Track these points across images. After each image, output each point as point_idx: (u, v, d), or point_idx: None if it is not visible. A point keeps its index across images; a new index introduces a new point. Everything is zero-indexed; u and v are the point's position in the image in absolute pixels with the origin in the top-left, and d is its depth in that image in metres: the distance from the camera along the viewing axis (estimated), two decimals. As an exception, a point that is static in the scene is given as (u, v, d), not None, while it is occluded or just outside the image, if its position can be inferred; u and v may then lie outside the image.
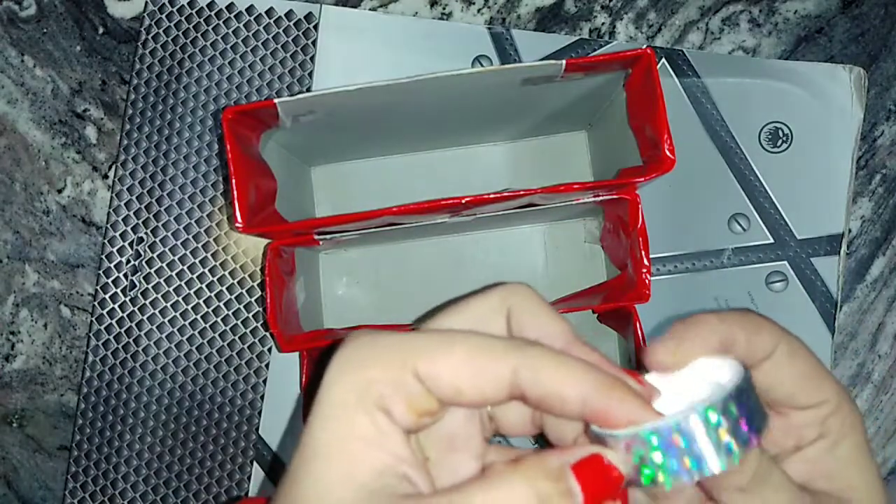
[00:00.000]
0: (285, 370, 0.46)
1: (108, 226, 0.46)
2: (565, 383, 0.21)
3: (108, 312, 0.46)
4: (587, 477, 0.21)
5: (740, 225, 0.46)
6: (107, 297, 0.46)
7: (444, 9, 0.48)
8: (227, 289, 0.46)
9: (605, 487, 0.21)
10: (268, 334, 0.46)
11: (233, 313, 0.46)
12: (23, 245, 0.48)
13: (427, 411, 0.21)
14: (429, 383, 0.21)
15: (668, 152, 0.34)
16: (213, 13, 0.47)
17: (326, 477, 0.20)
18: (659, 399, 0.22)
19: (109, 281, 0.46)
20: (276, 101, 0.34)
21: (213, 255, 0.46)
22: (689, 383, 0.22)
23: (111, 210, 0.46)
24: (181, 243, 0.46)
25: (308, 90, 0.46)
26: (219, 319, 0.46)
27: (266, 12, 0.47)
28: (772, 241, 0.46)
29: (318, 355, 0.41)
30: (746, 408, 0.21)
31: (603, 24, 0.47)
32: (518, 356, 0.21)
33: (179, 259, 0.46)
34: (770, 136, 0.46)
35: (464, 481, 0.21)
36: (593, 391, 0.21)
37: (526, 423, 0.24)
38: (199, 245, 0.46)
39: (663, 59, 0.46)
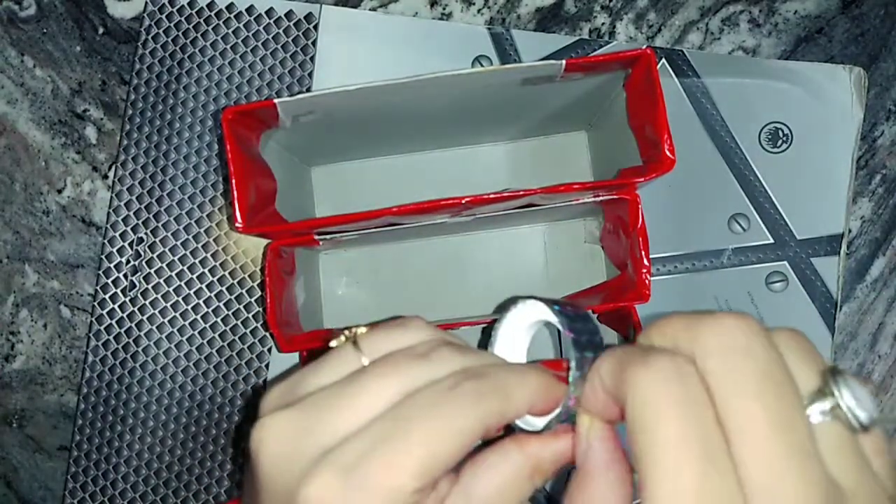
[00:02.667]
0: (285, 370, 0.46)
1: (108, 226, 0.46)
2: (522, 411, 0.24)
3: (108, 312, 0.46)
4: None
5: (740, 225, 0.46)
6: (107, 297, 0.46)
7: (444, 9, 0.48)
8: (227, 289, 0.46)
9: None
10: (268, 334, 0.46)
11: (233, 313, 0.46)
12: (23, 245, 0.48)
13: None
14: (421, 485, 0.22)
15: (668, 152, 0.34)
16: (213, 13, 0.47)
17: None
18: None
19: (109, 281, 0.46)
20: (276, 101, 0.34)
21: (213, 255, 0.46)
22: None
23: (111, 210, 0.46)
24: (181, 243, 0.46)
25: (308, 90, 0.46)
26: (219, 319, 0.46)
27: (266, 12, 0.47)
28: (772, 241, 0.46)
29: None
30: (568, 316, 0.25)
31: (603, 24, 0.47)
32: (484, 415, 0.23)
33: (179, 259, 0.46)
34: (770, 136, 0.46)
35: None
36: (538, 405, 0.24)
37: None
38: (199, 245, 0.46)
39: (663, 59, 0.46)
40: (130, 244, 0.46)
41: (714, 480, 0.18)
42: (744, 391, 0.19)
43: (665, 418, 0.19)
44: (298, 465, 0.23)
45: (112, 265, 0.46)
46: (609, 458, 0.23)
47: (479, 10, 0.48)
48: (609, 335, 0.44)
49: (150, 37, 0.47)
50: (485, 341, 0.29)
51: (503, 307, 0.27)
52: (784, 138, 0.46)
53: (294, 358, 0.45)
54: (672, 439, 0.19)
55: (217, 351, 0.46)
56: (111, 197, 0.47)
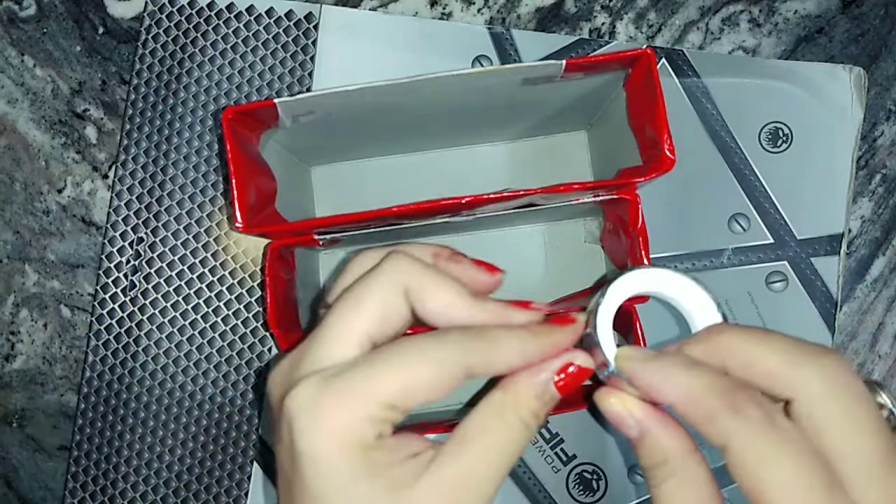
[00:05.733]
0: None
1: (108, 226, 0.46)
2: (511, 359, 0.26)
3: (108, 312, 0.46)
4: (562, 378, 0.26)
5: (740, 225, 0.46)
6: (107, 297, 0.46)
7: (444, 9, 0.48)
8: (227, 289, 0.46)
9: (577, 379, 0.27)
10: (268, 334, 0.46)
11: (233, 313, 0.46)
12: (23, 245, 0.48)
13: (398, 421, 0.25)
14: (397, 403, 0.24)
15: (668, 152, 0.34)
16: (213, 13, 0.47)
17: None
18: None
19: (109, 281, 0.46)
20: (276, 101, 0.34)
21: (213, 255, 0.46)
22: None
23: (111, 210, 0.46)
24: (181, 243, 0.46)
25: (308, 90, 0.46)
26: (219, 319, 0.46)
27: (266, 12, 0.47)
28: (772, 241, 0.46)
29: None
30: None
31: (603, 24, 0.47)
32: (464, 353, 0.25)
33: (179, 259, 0.46)
34: (770, 136, 0.46)
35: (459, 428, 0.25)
36: (528, 354, 0.26)
37: None
38: (199, 245, 0.46)
39: (663, 59, 0.46)
40: (130, 244, 0.46)
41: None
42: (861, 427, 0.22)
43: (776, 462, 0.22)
44: (287, 385, 0.25)
45: (112, 265, 0.46)
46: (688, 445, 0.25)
47: (479, 10, 0.48)
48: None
49: (150, 36, 0.47)
50: None
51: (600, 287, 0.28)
52: (784, 138, 0.46)
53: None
54: (787, 479, 0.22)
55: (217, 351, 0.46)
56: (111, 197, 0.47)
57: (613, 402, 0.26)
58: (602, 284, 0.28)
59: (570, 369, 0.26)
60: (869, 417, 0.23)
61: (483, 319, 0.27)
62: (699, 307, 0.28)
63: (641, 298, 0.30)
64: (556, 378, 0.26)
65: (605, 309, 0.27)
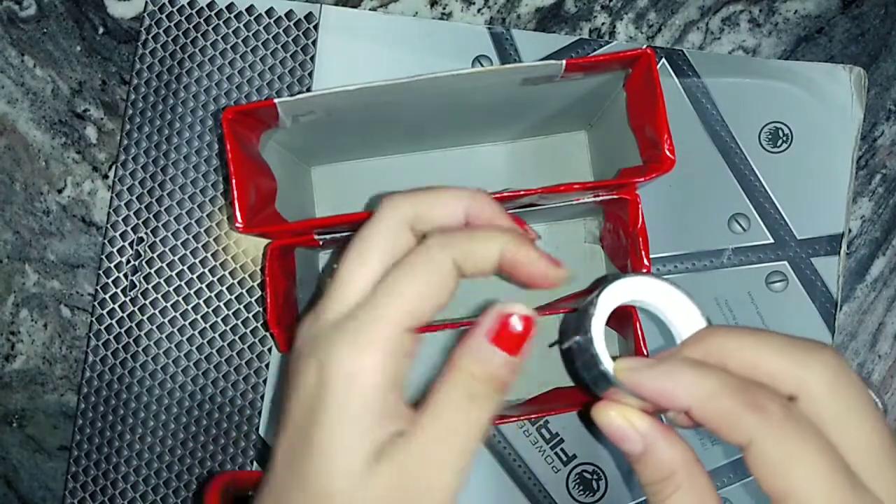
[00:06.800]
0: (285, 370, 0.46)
1: (108, 226, 0.46)
2: (449, 206, 0.27)
3: (108, 312, 0.46)
4: (504, 336, 0.24)
5: (740, 225, 0.46)
6: (107, 297, 0.46)
7: (444, 9, 0.48)
8: (227, 289, 0.46)
9: (524, 336, 0.25)
10: (268, 334, 0.46)
11: (233, 313, 0.46)
12: (23, 245, 0.48)
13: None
14: (412, 309, 0.25)
15: (668, 152, 0.34)
16: (213, 13, 0.47)
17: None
18: None
19: (109, 281, 0.46)
20: (276, 101, 0.34)
21: (213, 255, 0.46)
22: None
23: (111, 210, 0.46)
24: (181, 243, 0.46)
25: (308, 90, 0.46)
26: (219, 319, 0.46)
27: (266, 12, 0.47)
28: (772, 241, 0.46)
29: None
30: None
31: (603, 24, 0.47)
32: (412, 210, 0.27)
33: (179, 259, 0.46)
34: (770, 136, 0.46)
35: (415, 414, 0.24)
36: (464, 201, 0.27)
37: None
38: (199, 245, 0.46)
39: (663, 59, 0.46)
40: (130, 244, 0.46)
41: (859, 493, 0.22)
42: (865, 419, 0.23)
43: (799, 456, 0.22)
44: (312, 337, 0.26)
45: (112, 265, 0.46)
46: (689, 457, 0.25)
47: (479, 10, 0.48)
48: (609, 335, 0.44)
49: (150, 36, 0.47)
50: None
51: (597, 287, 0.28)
52: (784, 138, 0.46)
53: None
54: (811, 472, 0.22)
55: (217, 351, 0.46)
56: (111, 197, 0.47)
57: (614, 416, 0.25)
58: (591, 291, 0.28)
59: (512, 322, 0.24)
60: (871, 410, 0.23)
61: (478, 215, 0.27)
62: (684, 314, 0.28)
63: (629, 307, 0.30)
64: (495, 337, 0.24)
65: (597, 320, 0.27)
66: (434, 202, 0.27)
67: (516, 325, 0.24)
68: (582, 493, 0.45)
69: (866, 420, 0.23)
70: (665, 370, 0.24)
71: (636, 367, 0.25)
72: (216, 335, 0.46)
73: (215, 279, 0.46)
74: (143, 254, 0.46)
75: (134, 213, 0.46)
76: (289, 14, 0.46)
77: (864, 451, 0.23)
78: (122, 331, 0.46)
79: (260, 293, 0.46)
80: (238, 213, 0.34)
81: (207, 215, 0.46)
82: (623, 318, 0.41)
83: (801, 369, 0.23)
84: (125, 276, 0.46)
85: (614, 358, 0.26)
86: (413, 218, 0.26)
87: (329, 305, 0.26)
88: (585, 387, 0.27)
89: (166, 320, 0.46)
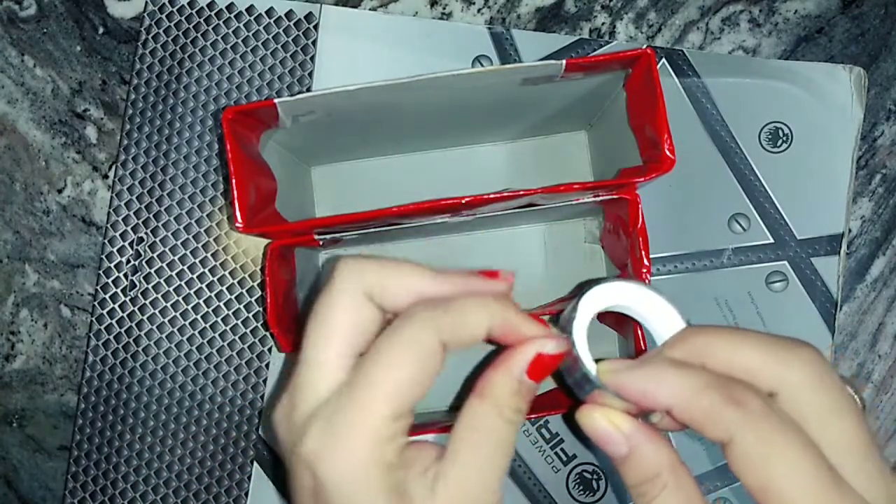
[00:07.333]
0: (285, 370, 0.46)
1: (108, 226, 0.46)
2: (479, 328, 0.26)
3: (108, 312, 0.46)
4: (534, 369, 0.26)
5: (740, 225, 0.46)
6: (107, 297, 0.46)
7: (444, 9, 0.48)
8: (227, 289, 0.46)
9: (549, 367, 0.26)
10: (268, 334, 0.46)
11: (233, 313, 0.46)
12: (23, 245, 0.48)
13: (409, 424, 0.25)
14: (399, 410, 0.24)
15: (668, 152, 0.34)
16: (213, 13, 0.47)
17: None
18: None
19: (109, 281, 0.46)
20: (276, 101, 0.34)
21: (213, 255, 0.46)
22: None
23: (111, 210, 0.46)
24: (181, 243, 0.46)
25: (308, 90, 0.46)
26: (219, 319, 0.46)
27: (266, 12, 0.47)
28: (772, 241, 0.46)
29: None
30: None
31: (603, 24, 0.47)
32: (436, 330, 0.25)
33: (179, 259, 0.46)
34: (770, 136, 0.46)
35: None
36: (495, 320, 0.26)
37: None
38: (199, 245, 0.46)
39: (663, 59, 0.46)
40: (130, 244, 0.46)
41: (840, 489, 0.22)
42: (844, 415, 0.23)
43: (780, 451, 0.22)
44: (294, 434, 0.25)
45: (112, 265, 0.46)
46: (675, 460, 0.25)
47: (479, 10, 0.48)
48: (609, 335, 0.44)
49: (150, 36, 0.47)
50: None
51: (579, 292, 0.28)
52: (784, 138, 0.46)
53: (294, 358, 0.45)
54: (792, 467, 0.22)
55: (217, 351, 0.46)
56: (111, 197, 0.47)
57: (598, 418, 0.25)
58: (574, 296, 0.28)
59: (541, 357, 0.26)
60: (849, 406, 0.23)
61: (449, 291, 0.26)
62: (664, 318, 0.28)
63: (610, 313, 0.30)
64: (529, 370, 0.26)
65: (578, 325, 0.27)
66: (397, 273, 0.26)
67: (549, 362, 0.26)
68: (582, 492, 0.45)
69: (846, 416, 0.23)
70: (647, 371, 0.25)
71: (618, 369, 0.25)
72: (216, 335, 0.46)
73: (215, 279, 0.46)
74: (143, 254, 0.46)
75: (134, 213, 0.46)
76: (289, 14, 0.46)
77: (845, 446, 0.23)
78: (122, 331, 0.46)
79: (260, 293, 0.46)
80: (238, 213, 0.34)
81: (207, 215, 0.46)
82: (623, 318, 0.41)
83: (780, 366, 0.24)
84: (125, 275, 0.46)
85: (598, 361, 0.26)
86: (374, 289, 0.26)
87: (301, 395, 0.25)
88: (570, 390, 0.27)
89: (166, 320, 0.46)
